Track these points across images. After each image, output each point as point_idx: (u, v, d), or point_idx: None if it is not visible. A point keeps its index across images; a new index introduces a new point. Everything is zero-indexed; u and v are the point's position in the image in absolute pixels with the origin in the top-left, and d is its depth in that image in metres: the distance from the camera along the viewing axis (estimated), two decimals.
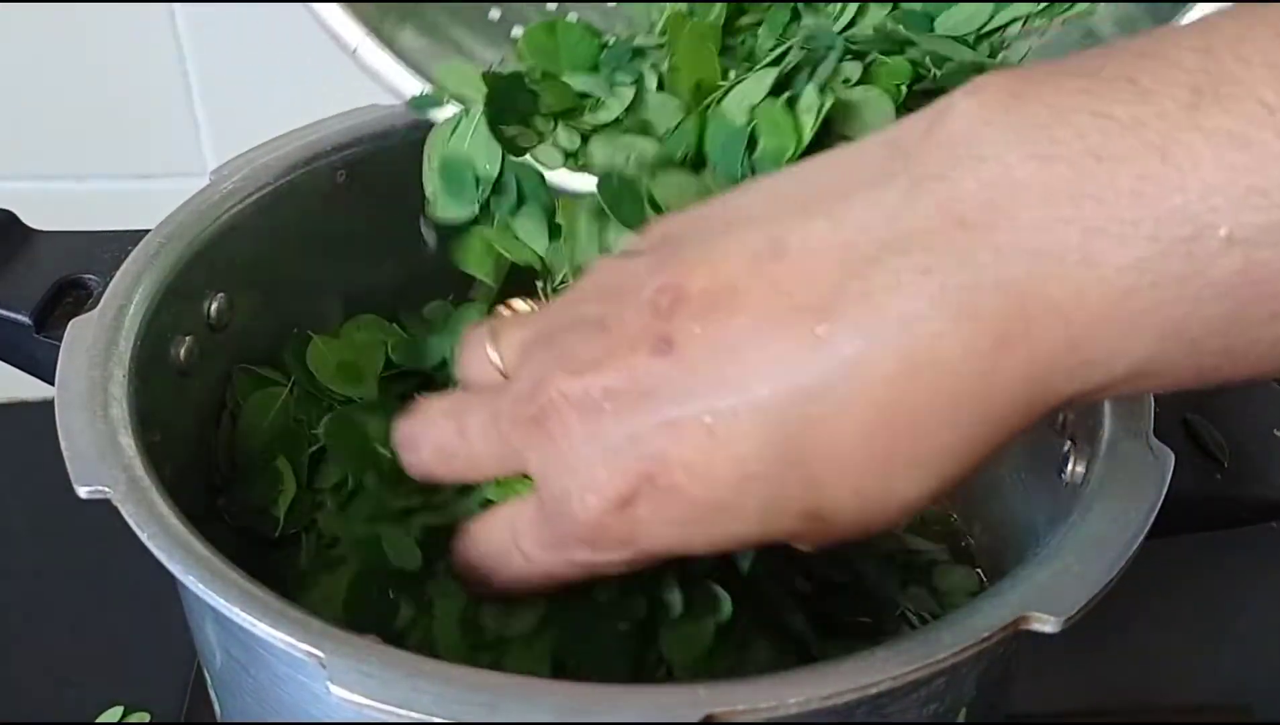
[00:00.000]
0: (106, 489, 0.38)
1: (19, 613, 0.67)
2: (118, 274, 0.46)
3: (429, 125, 0.55)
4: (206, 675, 0.49)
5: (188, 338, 0.48)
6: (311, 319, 0.55)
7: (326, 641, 0.34)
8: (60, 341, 0.46)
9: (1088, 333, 0.28)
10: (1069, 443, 0.46)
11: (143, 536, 0.37)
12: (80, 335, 0.43)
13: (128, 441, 0.40)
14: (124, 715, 0.63)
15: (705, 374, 0.32)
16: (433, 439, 0.40)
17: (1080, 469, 0.44)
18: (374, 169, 0.54)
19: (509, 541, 0.38)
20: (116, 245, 0.49)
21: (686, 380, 0.32)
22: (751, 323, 0.31)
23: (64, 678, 0.64)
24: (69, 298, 0.49)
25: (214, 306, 0.50)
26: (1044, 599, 0.36)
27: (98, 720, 0.62)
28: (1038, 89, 0.29)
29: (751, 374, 0.31)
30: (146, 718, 0.63)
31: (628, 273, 0.35)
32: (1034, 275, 0.28)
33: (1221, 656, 0.64)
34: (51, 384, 0.47)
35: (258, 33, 0.68)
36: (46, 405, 0.41)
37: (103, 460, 0.39)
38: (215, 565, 0.36)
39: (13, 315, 0.47)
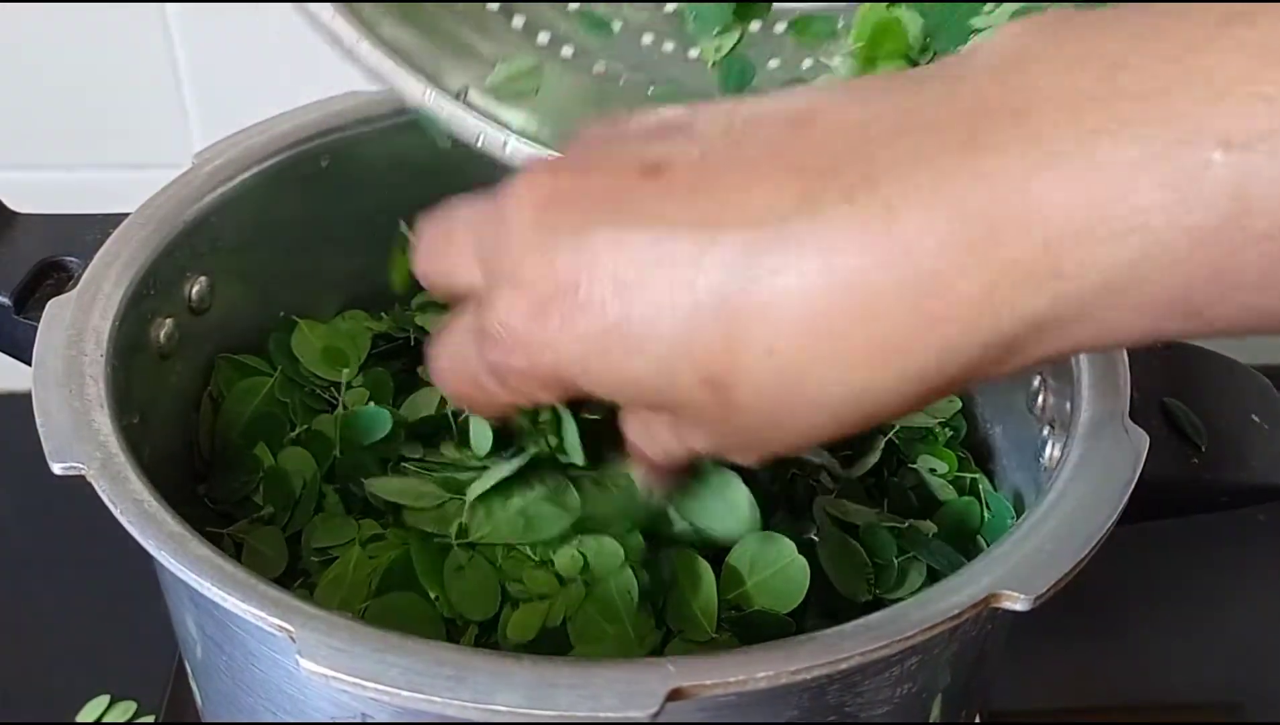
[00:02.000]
0: (80, 466, 0.38)
1: (3, 604, 0.67)
2: (98, 255, 0.46)
3: (411, 112, 0.55)
4: (187, 666, 0.49)
5: (168, 320, 0.48)
6: (293, 305, 0.55)
7: (296, 616, 0.34)
8: (34, 322, 0.46)
9: (1065, 233, 0.27)
10: (1047, 427, 0.46)
11: (116, 512, 0.37)
12: (58, 315, 0.43)
13: (103, 420, 0.40)
14: (110, 705, 0.63)
15: (681, 200, 0.30)
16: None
17: (1057, 453, 0.45)
18: (357, 155, 0.55)
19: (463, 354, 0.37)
20: (99, 227, 0.49)
21: (659, 201, 0.30)
22: (748, 168, 0.30)
23: (49, 668, 0.65)
24: (50, 279, 0.49)
25: (195, 290, 0.50)
26: (1015, 578, 0.36)
27: (84, 710, 0.63)
28: (1076, 22, 0.29)
29: (729, 211, 0.30)
30: (133, 707, 0.63)
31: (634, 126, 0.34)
32: (1022, 169, 0.27)
33: (1212, 656, 0.64)
34: (29, 365, 0.48)
35: (247, 22, 0.68)
36: (27, 397, 0.41)
37: (78, 437, 0.39)
38: (188, 542, 0.36)
39: None
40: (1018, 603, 0.35)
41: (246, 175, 0.51)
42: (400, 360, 0.56)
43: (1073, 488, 0.39)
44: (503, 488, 0.45)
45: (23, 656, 0.65)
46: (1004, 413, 0.51)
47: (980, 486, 0.50)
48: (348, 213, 0.56)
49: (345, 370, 0.54)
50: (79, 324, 0.43)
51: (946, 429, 0.53)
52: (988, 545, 0.48)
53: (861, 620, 0.35)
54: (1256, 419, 0.46)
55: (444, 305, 0.59)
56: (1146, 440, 0.40)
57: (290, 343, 0.54)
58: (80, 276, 0.46)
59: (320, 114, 0.54)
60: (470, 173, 0.57)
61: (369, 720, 0.37)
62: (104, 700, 0.63)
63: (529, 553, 0.45)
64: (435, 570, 0.44)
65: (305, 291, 0.56)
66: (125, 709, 0.63)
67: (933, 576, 0.46)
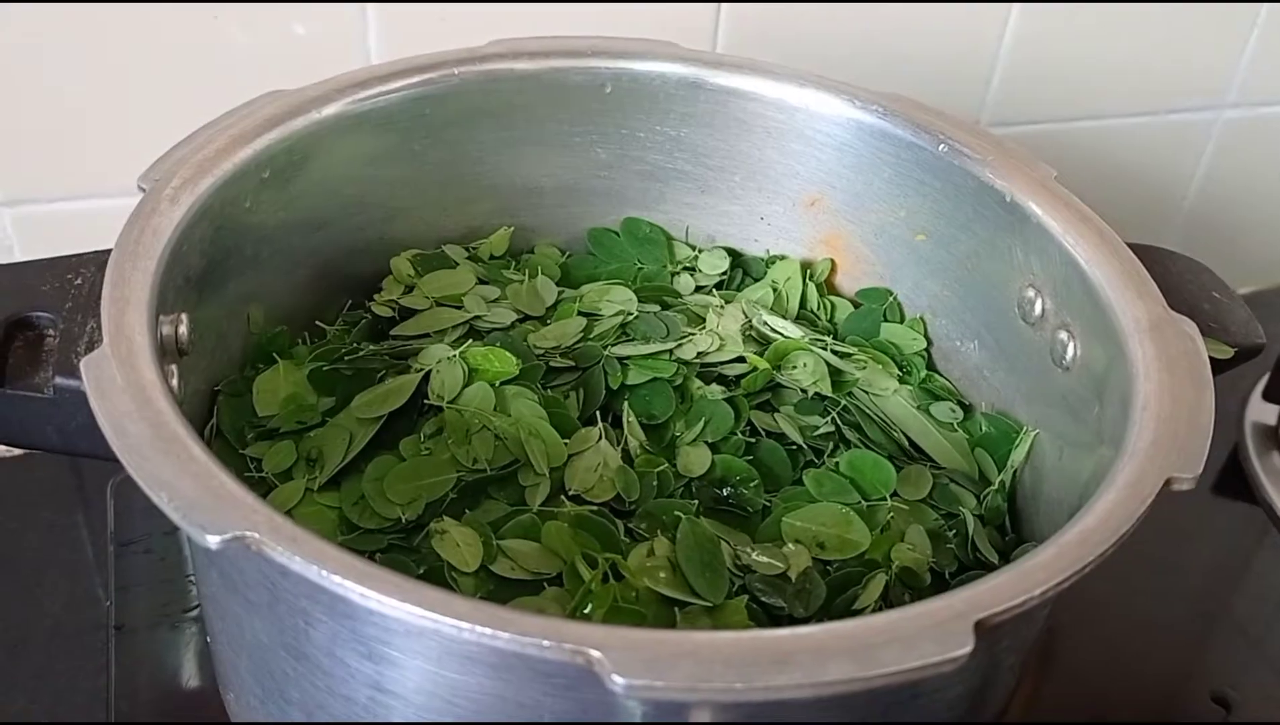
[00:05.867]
0: (251, 533, 0.33)
1: None
2: (105, 302, 0.40)
3: (340, 108, 0.51)
4: None
5: (173, 366, 0.43)
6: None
7: (592, 637, 0.32)
8: (25, 392, 0.40)
9: None
10: (1063, 332, 0.49)
11: (316, 574, 0.33)
12: (104, 375, 0.37)
13: (225, 477, 0.35)
14: None
15: None
16: None
17: (1079, 352, 0.48)
18: (293, 160, 0.50)
19: None
20: (52, 274, 0.43)
21: None
22: None
23: None
24: (18, 341, 0.41)
25: (180, 330, 0.44)
26: (1177, 463, 0.39)
27: None
28: None
29: None
30: None
31: None
32: None
33: (1205, 656, 0.65)
34: (14, 446, 0.41)
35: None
36: None
37: (221, 504, 0.34)
38: (399, 579, 0.33)
39: None
40: (1184, 483, 0.39)
41: (201, 196, 0.46)
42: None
43: (1167, 375, 0.43)
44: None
45: None
46: (980, 330, 0.55)
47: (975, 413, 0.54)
48: (283, 228, 0.51)
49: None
50: (134, 381, 0.37)
51: (908, 370, 0.56)
52: (994, 462, 0.52)
53: (1075, 529, 0.37)
54: (1216, 295, 0.52)
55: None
56: (1195, 326, 0.45)
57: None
58: (74, 331, 0.39)
59: (256, 120, 0.49)
60: (422, 168, 0.55)
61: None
62: None
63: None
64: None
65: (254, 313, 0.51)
66: None
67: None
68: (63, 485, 0.67)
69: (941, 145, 0.53)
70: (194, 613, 0.58)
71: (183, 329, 0.44)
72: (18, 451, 0.67)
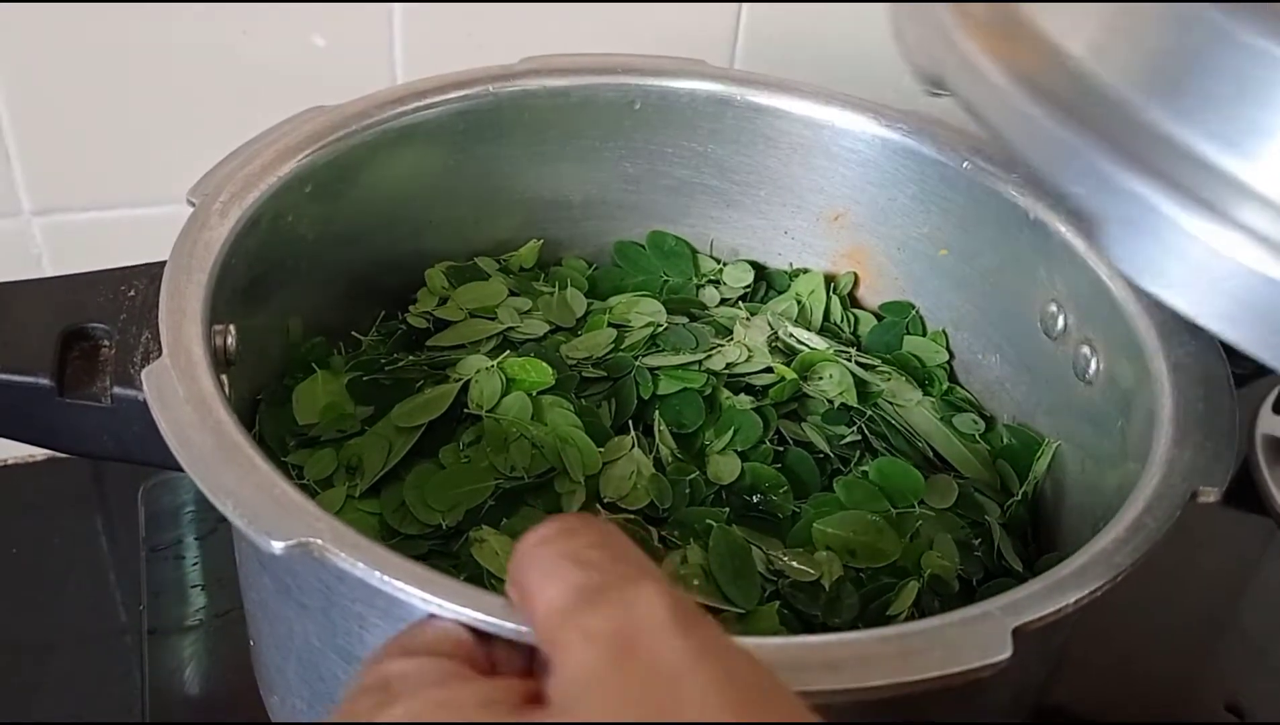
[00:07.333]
0: (315, 540, 0.34)
1: None
2: (162, 315, 0.41)
3: (381, 124, 0.52)
4: None
5: (223, 377, 0.44)
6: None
7: None
8: (83, 401, 0.41)
9: None
10: (1085, 347, 0.50)
11: (378, 579, 0.34)
12: (165, 386, 0.38)
13: (287, 486, 0.36)
14: None
15: None
16: None
17: (1102, 366, 0.49)
18: (342, 175, 0.51)
19: None
20: (105, 286, 0.44)
21: None
22: None
23: None
24: (74, 351, 0.42)
25: (228, 341, 0.45)
26: (1202, 475, 0.40)
27: None
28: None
29: None
30: None
31: None
32: None
33: (1215, 664, 0.66)
34: (71, 453, 0.42)
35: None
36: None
37: (286, 512, 0.35)
38: (457, 586, 0.34)
39: (31, 379, 0.40)
40: (1210, 495, 0.40)
41: (248, 210, 0.47)
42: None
43: (1191, 389, 0.44)
44: None
45: None
46: (1001, 343, 0.56)
47: (997, 424, 0.55)
48: (341, 230, 0.52)
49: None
50: (194, 393, 0.38)
51: (930, 382, 0.57)
52: (1016, 473, 0.53)
53: (1107, 539, 0.38)
54: None
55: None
56: (1216, 340, 0.46)
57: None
58: (129, 342, 0.41)
59: (299, 135, 0.50)
60: (456, 183, 0.56)
61: None
62: None
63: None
64: None
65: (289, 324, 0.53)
66: None
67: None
68: (83, 491, 0.68)
69: (965, 162, 0.54)
70: (226, 617, 0.59)
71: (230, 340, 0.45)
72: (39, 457, 0.68)
